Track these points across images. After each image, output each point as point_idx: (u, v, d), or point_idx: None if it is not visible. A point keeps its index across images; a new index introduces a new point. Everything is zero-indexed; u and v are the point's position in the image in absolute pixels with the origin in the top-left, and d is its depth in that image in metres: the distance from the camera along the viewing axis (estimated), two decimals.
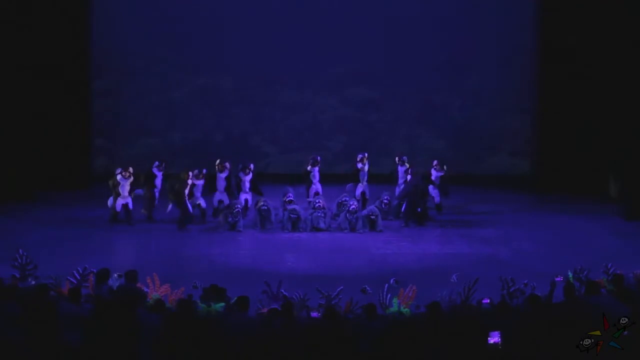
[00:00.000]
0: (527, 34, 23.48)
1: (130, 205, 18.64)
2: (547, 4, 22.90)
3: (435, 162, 19.98)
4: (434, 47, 23.79)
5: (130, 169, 18.76)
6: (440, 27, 23.78)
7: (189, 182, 18.50)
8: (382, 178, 21.60)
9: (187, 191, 18.51)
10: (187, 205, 18.44)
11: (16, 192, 20.50)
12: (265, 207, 18.65)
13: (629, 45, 21.64)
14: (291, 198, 18.94)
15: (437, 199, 19.85)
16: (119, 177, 18.62)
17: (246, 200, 19.61)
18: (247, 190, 19.66)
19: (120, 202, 18.55)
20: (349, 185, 20.24)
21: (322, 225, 18.46)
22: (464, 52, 23.84)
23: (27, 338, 10.77)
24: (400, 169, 20.15)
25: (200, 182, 19.05)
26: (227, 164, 19.29)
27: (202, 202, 19.10)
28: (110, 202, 18.76)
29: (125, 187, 18.59)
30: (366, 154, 20.22)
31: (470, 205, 21.03)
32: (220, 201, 19.17)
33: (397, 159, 20.36)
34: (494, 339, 10.58)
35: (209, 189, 19.44)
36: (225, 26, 23.87)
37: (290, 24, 23.92)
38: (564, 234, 18.34)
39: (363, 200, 19.86)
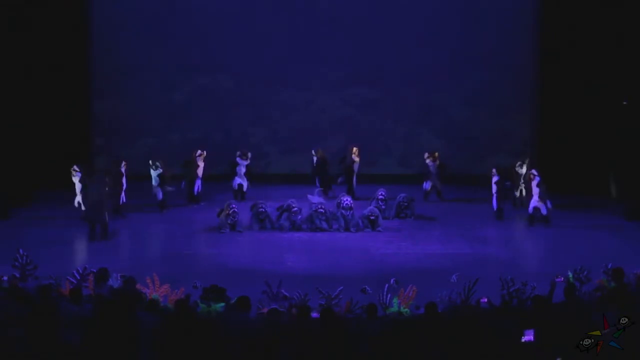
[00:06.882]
0: (527, 34, 23.49)
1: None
2: (547, 5, 22.89)
3: (518, 163, 20.59)
4: (434, 48, 23.79)
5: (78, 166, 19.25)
6: (440, 28, 23.79)
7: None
8: (380, 178, 21.63)
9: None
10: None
11: (16, 192, 20.48)
12: (262, 210, 18.63)
13: (628, 46, 21.63)
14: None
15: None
16: (76, 174, 19.00)
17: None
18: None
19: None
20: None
21: (323, 225, 18.44)
22: (463, 53, 23.81)
23: (28, 338, 10.79)
24: (431, 165, 21.21)
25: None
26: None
27: None
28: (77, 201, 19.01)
29: (78, 185, 18.93)
30: (249, 154, 21.41)
31: (470, 205, 21.02)
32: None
33: (426, 154, 21.40)
34: (528, 337, 10.59)
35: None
36: (225, 26, 23.86)
37: (290, 24, 23.92)
38: (564, 234, 18.33)
39: (241, 193, 21.04)
